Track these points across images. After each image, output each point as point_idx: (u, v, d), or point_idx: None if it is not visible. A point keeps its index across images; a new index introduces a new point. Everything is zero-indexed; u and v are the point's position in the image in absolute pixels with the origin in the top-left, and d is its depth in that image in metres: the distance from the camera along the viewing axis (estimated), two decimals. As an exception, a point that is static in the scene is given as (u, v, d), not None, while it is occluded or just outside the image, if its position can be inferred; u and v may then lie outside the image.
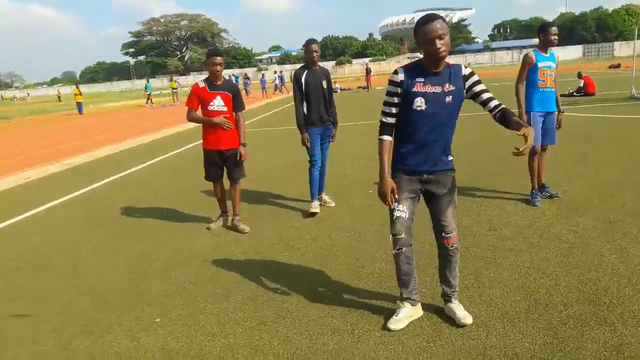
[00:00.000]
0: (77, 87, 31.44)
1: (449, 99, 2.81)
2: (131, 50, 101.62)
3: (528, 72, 5.20)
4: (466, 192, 5.76)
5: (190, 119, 5.13)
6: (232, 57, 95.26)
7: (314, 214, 5.49)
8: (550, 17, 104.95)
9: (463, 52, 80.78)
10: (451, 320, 3.09)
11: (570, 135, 9.32)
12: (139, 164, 10.09)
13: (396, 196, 2.90)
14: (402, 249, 2.99)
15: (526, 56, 5.26)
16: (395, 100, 2.86)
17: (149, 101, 33.24)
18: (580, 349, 2.71)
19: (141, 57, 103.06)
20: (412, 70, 2.83)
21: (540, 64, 5.17)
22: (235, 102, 5.15)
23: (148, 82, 37.79)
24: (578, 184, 5.92)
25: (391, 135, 2.93)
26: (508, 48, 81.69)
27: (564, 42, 77.75)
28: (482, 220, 4.91)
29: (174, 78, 40.96)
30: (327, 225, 5.21)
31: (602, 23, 79.46)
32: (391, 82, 2.85)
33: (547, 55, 5.23)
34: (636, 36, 16.82)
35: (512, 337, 2.88)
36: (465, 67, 2.89)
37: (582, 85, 16.87)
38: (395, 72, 2.84)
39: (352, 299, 3.50)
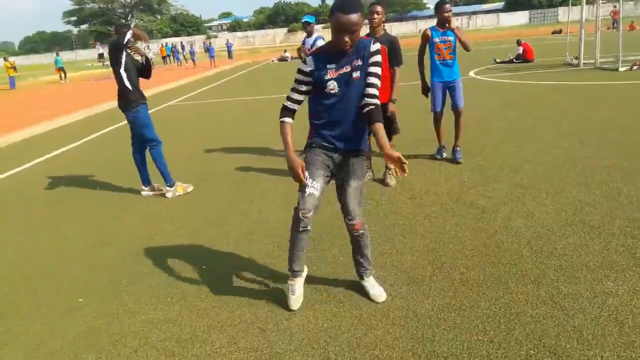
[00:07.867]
0: (7, 60, 28.46)
1: (356, 74, 2.82)
2: (73, 18, 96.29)
3: (428, 46, 5.72)
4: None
5: None
6: (179, 24, 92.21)
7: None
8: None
9: (415, 18, 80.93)
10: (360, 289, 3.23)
11: (505, 102, 9.70)
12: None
13: (306, 173, 2.85)
14: (307, 227, 2.92)
15: (423, 33, 5.76)
16: (302, 88, 2.88)
17: (64, 77, 29.99)
18: (474, 307, 2.95)
19: (84, 26, 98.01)
20: (322, 58, 2.83)
21: (436, 39, 5.63)
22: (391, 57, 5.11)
23: (58, 55, 31.31)
24: (504, 150, 6.21)
25: (292, 118, 2.92)
26: (458, 14, 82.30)
27: (512, 7, 79.14)
28: (404, 189, 5.12)
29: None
30: (261, 199, 5.30)
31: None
32: (300, 72, 2.87)
33: (444, 31, 5.60)
34: (570, 3, 17.39)
35: (414, 299, 3.09)
36: (374, 44, 2.86)
37: (521, 52, 17.38)
38: (304, 62, 2.85)
39: (276, 276, 3.62)
